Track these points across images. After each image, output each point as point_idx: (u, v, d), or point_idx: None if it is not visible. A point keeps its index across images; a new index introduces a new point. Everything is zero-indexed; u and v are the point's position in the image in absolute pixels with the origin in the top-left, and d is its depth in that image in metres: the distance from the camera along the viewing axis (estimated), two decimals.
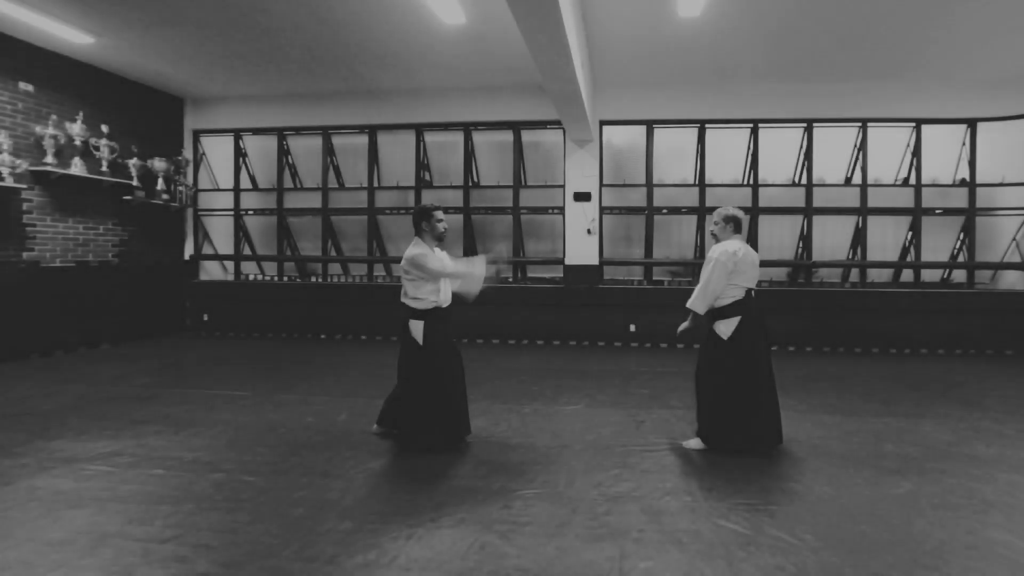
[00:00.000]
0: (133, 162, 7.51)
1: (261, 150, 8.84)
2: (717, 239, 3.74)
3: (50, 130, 6.45)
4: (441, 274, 3.55)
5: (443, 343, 3.62)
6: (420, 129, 8.31)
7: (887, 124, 7.62)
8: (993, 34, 5.89)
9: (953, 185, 7.60)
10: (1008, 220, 7.48)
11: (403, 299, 3.65)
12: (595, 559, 2.34)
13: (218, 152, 8.83)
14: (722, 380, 3.58)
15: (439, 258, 3.64)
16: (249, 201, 8.83)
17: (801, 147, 7.75)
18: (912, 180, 7.60)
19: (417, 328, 3.56)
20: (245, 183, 8.78)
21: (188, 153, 8.63)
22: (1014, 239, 7.41)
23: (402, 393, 3.68)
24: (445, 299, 3.66)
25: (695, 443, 3.71)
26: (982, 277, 7.68)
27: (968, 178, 7.52)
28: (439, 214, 3.67)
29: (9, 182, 6.03)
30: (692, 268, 7.94)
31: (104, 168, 7.11)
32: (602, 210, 7.94)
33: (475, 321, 7.88)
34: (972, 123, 7.47)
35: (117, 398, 4.84)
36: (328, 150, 8.51)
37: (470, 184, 8.25)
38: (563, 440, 3.82)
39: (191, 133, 8.72)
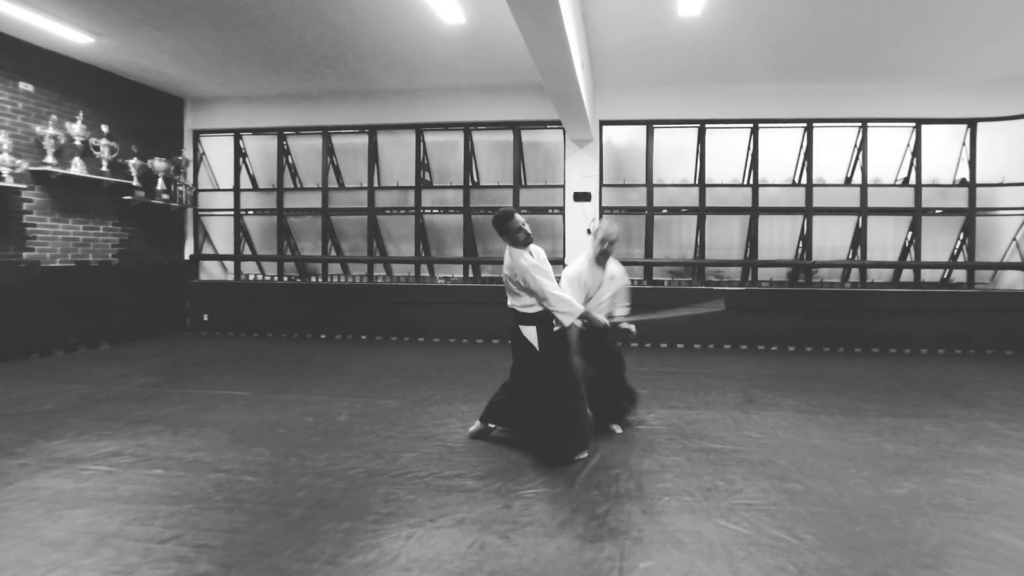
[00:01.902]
0: (133, 162, 7.51)
1: (261, 150, 8.85)
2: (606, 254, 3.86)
3: (50, 130, 6.45)
4: (540, 295, 3.34)
5: (561, 344, 3.55)
6: (420, 129, 8.31)
7: (887, 124, 7.62)
8: (993, 34, 5.88)
9: (953, 185, 7.61)
10: (1008, 220, 7.48)
11: (511, 304, 3.53)
12: (595, 559, 2.34)
13: (218, 152, 8.83)
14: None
15: (545, 273, 3.41)
16: (249, 201, 8.83)
17: (801, 147, 7.75)
18: (912, 180, 7.60)
19: (531, 333, 3.47)
20: (245, 183, 8.79)
21: (188, 153, 8.63)
22: (1014, 239, 7.41)
23: (543, 399, 3.50)
24: None
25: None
26: (982, 277, 7.68)
27: (968, 178, 7.52)
28: (519, 219, 3.40)
29: (9, 182, 6.03)
30: (692, 268, 7.94)
31: (104, 168, 7.11)
32: (602, 210, 7.94)
33: (476, 321, 7.89)
34: (972, 123, 7.47)
35: (117, 398, 4.84)
36: (328, 150, 8.52)
37: (470, 184, 8.26)
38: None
39: (191, 133, 8.72)
